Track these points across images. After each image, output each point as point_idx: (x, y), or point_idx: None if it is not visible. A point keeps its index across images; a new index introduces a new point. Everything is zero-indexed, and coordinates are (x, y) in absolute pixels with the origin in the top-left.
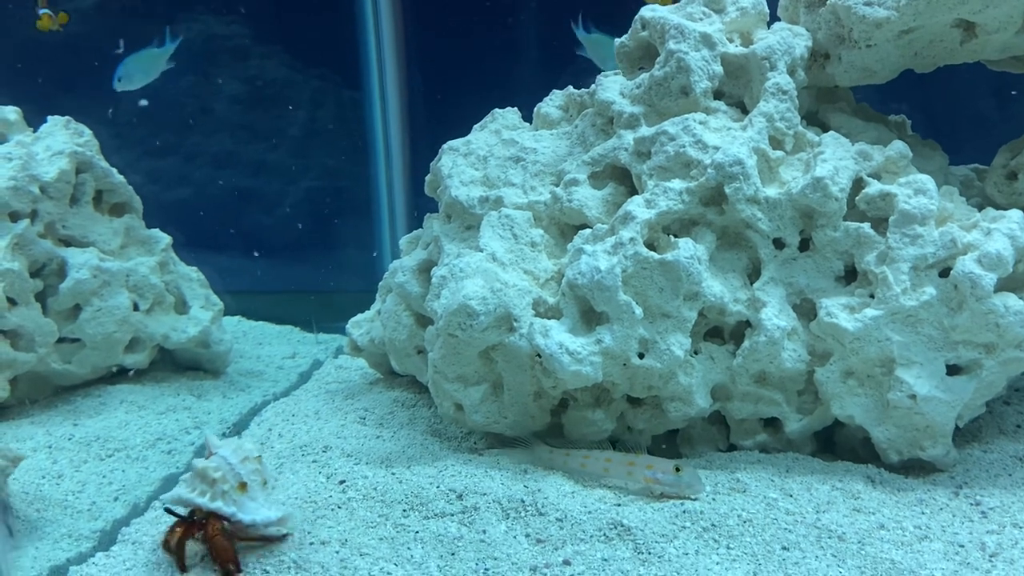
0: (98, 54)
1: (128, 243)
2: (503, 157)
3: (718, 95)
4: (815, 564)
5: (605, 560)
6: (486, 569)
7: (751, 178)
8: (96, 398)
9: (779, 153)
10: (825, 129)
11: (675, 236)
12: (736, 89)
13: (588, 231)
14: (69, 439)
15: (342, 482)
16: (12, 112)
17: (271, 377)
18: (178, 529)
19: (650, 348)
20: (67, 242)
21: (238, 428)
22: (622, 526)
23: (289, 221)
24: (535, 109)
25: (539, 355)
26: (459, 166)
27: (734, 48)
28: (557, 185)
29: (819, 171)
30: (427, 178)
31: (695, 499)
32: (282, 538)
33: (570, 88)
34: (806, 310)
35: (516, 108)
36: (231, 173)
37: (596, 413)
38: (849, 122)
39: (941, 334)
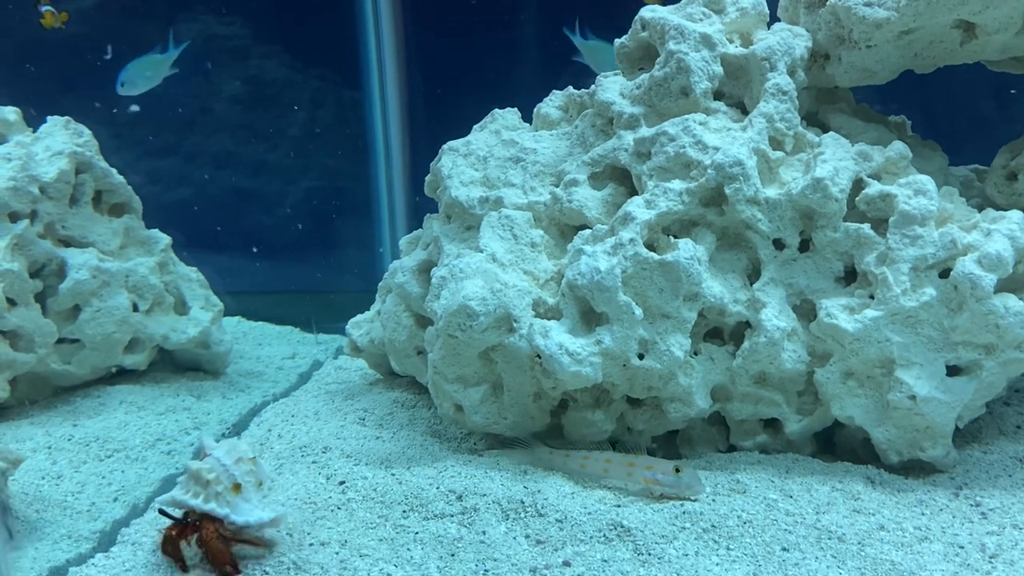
0: (98, 54)
1: (128, 243)
2: (503, 157)
3: (718, 96)
4: (815, 565)
5: (605, 561)
6: (486, 570)
7: (751, 179)
8: (96, 399)
9: (779, 154)
10: (825, 130)
11: (675, 237)
12: (736, 90)
13: (588, 232)
14: (68, 440)
15: (342, 483)
16: (11, 112)
17: (271, 378)
18: (173, 531)
19: (650, 349)
20: (67, 242)
21: (238, 429)
22: (622, 527)
23: (289, 221)
24: (535, 109)
25: (539, 356)
26: (459, 166)
27: (734, 49)
28: (557, 186)
29: (819, 172)
30: (427, 178)
31: (695, 500)
32: (270, 544)
33: (570, 88)
34: (806, 311)
35: (516, 108)
36: (231, 173)
37: (596, 414)
38: (849, 123)
39: (941, 335)
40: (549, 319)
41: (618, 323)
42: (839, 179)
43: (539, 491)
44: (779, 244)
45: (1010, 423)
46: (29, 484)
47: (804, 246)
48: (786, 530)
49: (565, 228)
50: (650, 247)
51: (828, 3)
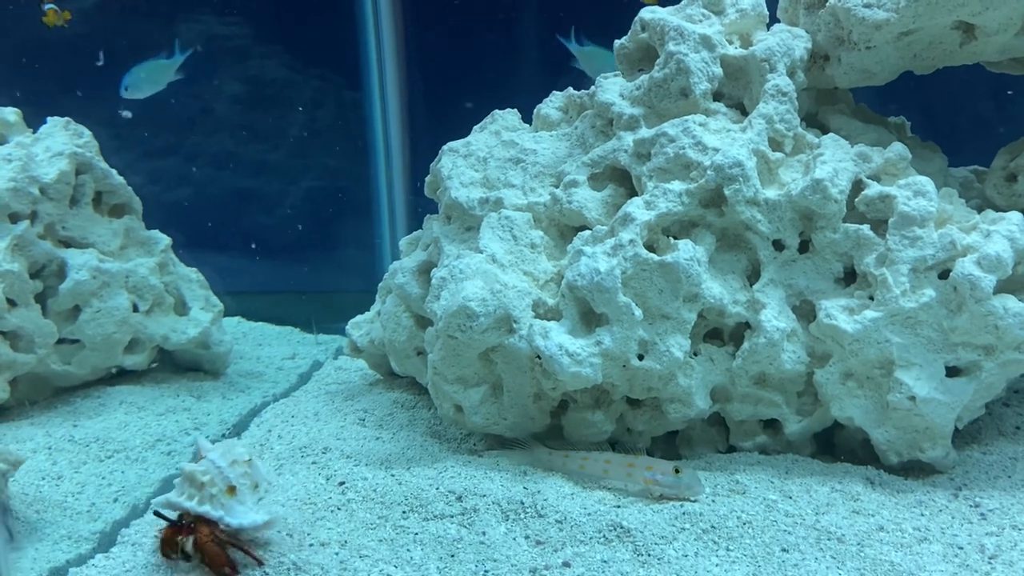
0: (98, 55)
1: (128, 244)
2: (503, 158)
3: (718, 97)
4: (814, 566)
5: (605, 562)
6: (486, 571)
7: (751, 180)
8: (96, 399)
9: (779, 155)
10: (825, 131)
11: (675, 238)
12: (736, 91)
13: (588, 233)
14: (69, 440)
15: (342, 483)
16: (12, 113)
17: (271, 378)
18: (168, 533)
19: (650, 349)
20: (67, 243)
21: (238, 429)
22: (622, 528)
23: (289, 222)
24: (535, 110)
25: (539, 357)
26: (459, 167)
27: (734, 50)
28: (557, 187)
29: (819, 173)
30: (427, 179)
31: (694, 501)
32: (262, 561)
33: (570, 89)
34: (805, 312)
35: (516, 109)
36: (231, 174)
37: (596, 415)
38: (848, 124)
39: (940, 336)
40: (549, 320)
41: (618, 324)
42: (839, 180)
43: (539, 492)
44: (779, 245)
45: (1009, 424)
46: (29, 485)
47: (804, 247)
48: (785, 531)
49: (565, 229)
50: (650, 248)
51: (828, 4)
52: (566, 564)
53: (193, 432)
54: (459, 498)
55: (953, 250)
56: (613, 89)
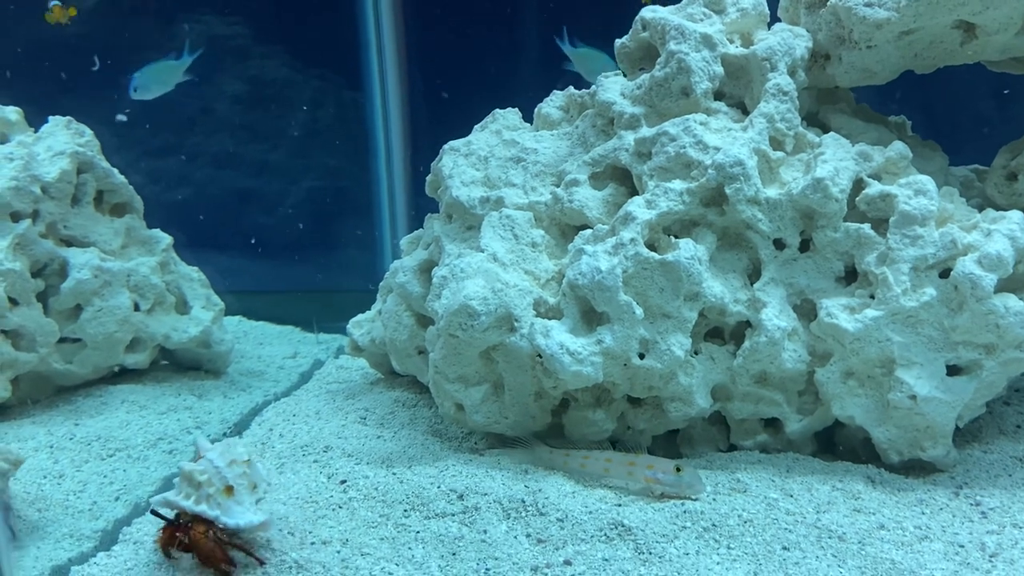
0: (99, 54)
1: (129, 243)
2: (504, 157)
3: (719, 96)
4: (815, 564)
5: (606, 560)
6: (487, 569)
7: (752, 179)
8: (97, 398)
9: (779, 154)
10: (825, 130)
11: (676, 237)
12: (737, 90)
13: (589, 231)
14: (70, 439)
15: (343, 482)
16: (13, 112)
17: (272, 377)
18: (166, 532)
19: (651, 348)
20: (68, 242)
21: (239, 428)
22: (623, 526)
23: (290, 221)
24: (536, 110)
25: (540, 355)
26: (460, 166)
27: (735, 49)
28: (558, 186)
29: (819, 172)
30: (428, 178)
31: (696, 499)
32: (263, 561)
33: (571, 88)
34: (806, 311)
35: (517, 108)
36: (232, 173)
37: (597, 413)
38: (849, 123)
39: (941, 335)
40: (550, 319)
41: (619, 323)
42: (839, 179)
43: (540, 490)
44: (779, 244)
45: (1010, 423)
46: (31, 483)
47: (804, 246)
48: (787, 529)
49: (566, 228)
50: (651, 247)
51: (829, 3)
52: (567, 562)
53: (195, 431)
54: (460, 496)
55: (954, 249)
56: (614, 88)
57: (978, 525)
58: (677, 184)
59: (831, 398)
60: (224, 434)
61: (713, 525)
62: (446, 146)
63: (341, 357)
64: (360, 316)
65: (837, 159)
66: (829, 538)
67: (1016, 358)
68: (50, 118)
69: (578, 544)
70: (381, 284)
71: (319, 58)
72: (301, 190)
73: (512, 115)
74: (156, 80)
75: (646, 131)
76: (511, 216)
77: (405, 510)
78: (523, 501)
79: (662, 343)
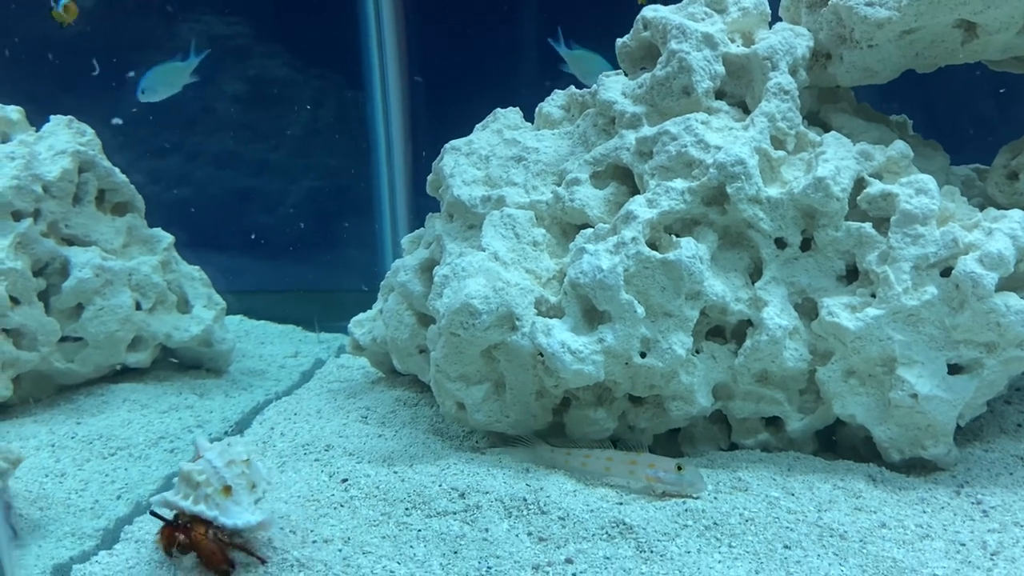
0: (100, 54)
1: (130, 242)
2: (505, 157)
3: (720, 95)
4: (817, 563)
5: (607, 558)
6: (488, 567)
7: (753, 178)
8: (99, 397)
9: (781, 153)
10: (827, 129)
11: (677, 236)
12: (738, 89)
13: (590, 230)
14: (72, 438)
15: (344, 480)
16: (14, 111)
17: (273, 376)
18: (165, 532)
19: (652, 347)
20: (70, 241)
21: (240, 427)
22: (624, 524)
23: (291, 220)
24: (537, 109)
25: (541, 354)
26: (461, 165)
27: (736, 48)
28: (559, 185)
29: (821, 171)
30: (429, 178)
31: (697, 498)
32: (265, 559)
33: (572, 88)
34: (808, 309)
35: (518, 108)
36: (233, 172)
37: (598, 412)
38: (851, 122)
39: (942, 333)
40: (551, 317)
41: (620, 321)
42: (841, 178)
43: (541, 489)
44: (781, 243)
45: (1011, 421)
46: (33, 482)
47: (806, 245)
48: (788, 528)
49: (567, 227)
50: (652, 246)
51: (830, 3)
52: (568, 561)
53: (196, 430)
54: (462, 495)
55: (955, 248)
56: (615, 87)
57: (979, 523)
58: (678, 183)
59: (832, 397)
60: (226, 433)
61: (714, 523)
62: (447, 145)
63: (342, 356)
64: (361, 315)
65: (838, 158)
66: (830, 537)
67: (1017, 357)
68: (51, 117)
69: (579, 542)
70: (382, 283)
71: (320, 57)
72: (302, 189)
73: (513, 114)
74: (163, 82)
75: (647, 130)
76: (512, 215)
77: (406, 508)
78: (524, 500)
79: (663, 342)
